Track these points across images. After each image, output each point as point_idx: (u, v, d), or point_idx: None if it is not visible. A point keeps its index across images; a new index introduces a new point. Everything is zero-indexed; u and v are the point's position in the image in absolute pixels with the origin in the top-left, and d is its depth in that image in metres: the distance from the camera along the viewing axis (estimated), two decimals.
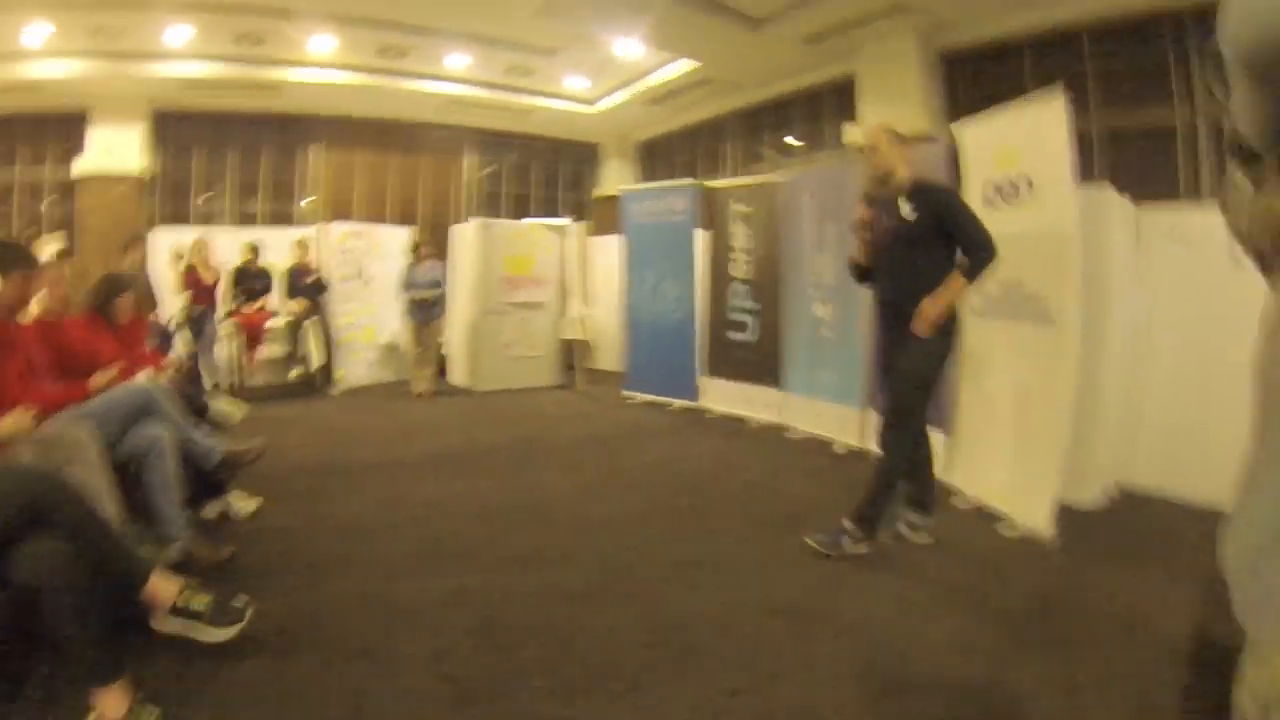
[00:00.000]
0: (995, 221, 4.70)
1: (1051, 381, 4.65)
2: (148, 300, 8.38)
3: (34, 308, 4.27)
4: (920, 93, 9.16)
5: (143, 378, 4.47)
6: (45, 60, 10.84)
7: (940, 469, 4.88)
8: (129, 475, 3.85)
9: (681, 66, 11.55)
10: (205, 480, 4.48)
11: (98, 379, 4.03)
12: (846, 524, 4.11)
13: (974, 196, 5.38)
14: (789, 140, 12.47)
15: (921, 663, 2.96)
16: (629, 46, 10.76)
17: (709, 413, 8.31)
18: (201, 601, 2.83)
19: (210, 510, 4.62)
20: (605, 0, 9.03)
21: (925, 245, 4.10)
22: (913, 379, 4.09)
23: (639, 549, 4.13)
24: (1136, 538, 4.58)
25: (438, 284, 9.88)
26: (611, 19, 9.57)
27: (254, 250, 10.12)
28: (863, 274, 4.50)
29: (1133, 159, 8.25)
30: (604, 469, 5.96)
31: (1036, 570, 3.97)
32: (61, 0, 9.30)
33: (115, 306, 4.86)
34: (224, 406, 5.21)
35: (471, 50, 11.40)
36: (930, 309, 3.93)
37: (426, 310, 9.82)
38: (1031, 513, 4.51)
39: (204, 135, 13.47)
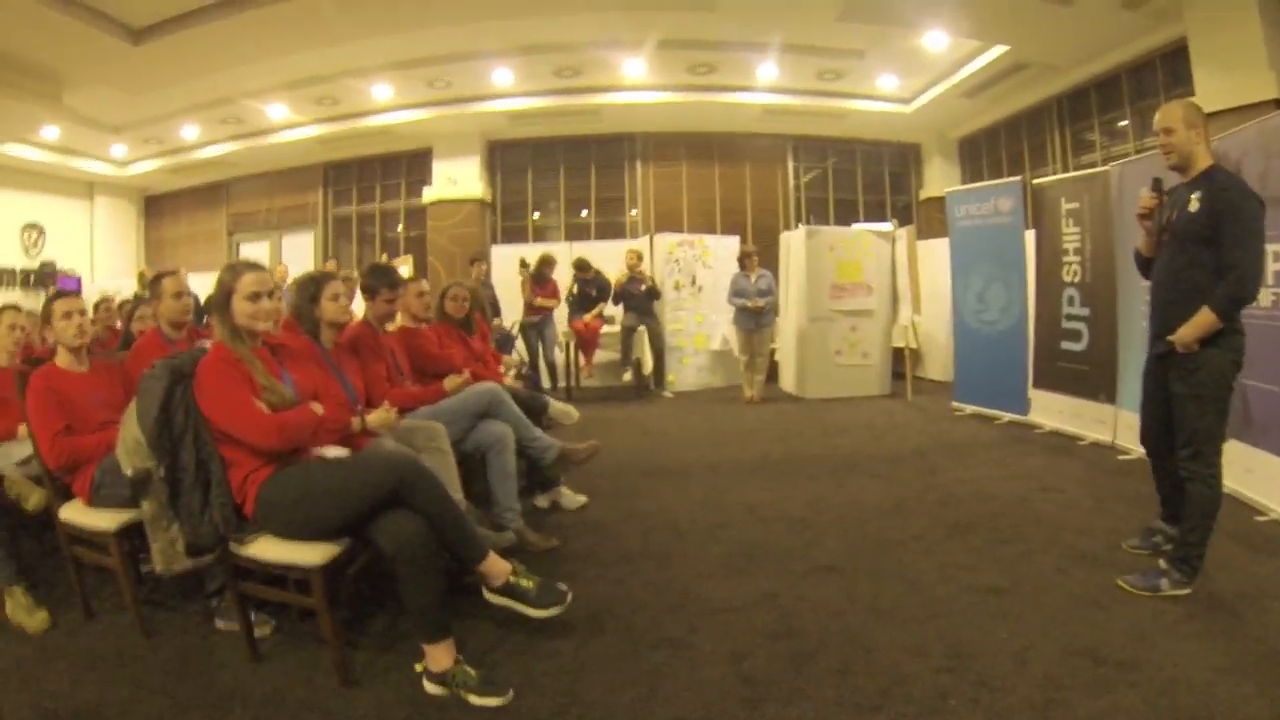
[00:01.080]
0: None
1: None
2: (491, 308, 9.22)
3: (400, 319, 4.92)
4: (1264, 48, 7.86)
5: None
6: (394, 111, 12.78)
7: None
8: (475, 465, 4.33)
9: (992, 54, 10.90)
10: (540, 474, 4.96)
11: (451, 381, 4.56)
12: (1163, 564, 3.72)
13: None
14: (1121, 123, 11.36)
15: None
16: (935, 39, 10.39)
17: (1038, 428, 7.79)
18: (529, 582, 3.12)
19: (543, 500, 5.15)
20: None
21: (1200, 248, 3.63)
22: (1202, 400, 3.64)
23: (945, 568, 3.99)
24: None
25: (767, 292, 10.00)
26: (911, 12, 9.25)
27: (585, 264, 10.79)
28: (1146, 266, 4.07)
29: None
30: (920, 485, 5.76)
31: None
32: (402, 60, 10.81)
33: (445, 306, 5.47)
34: (562, 408, 5.56)
35: (779, 59, 11.44)
36: (1187, 335, 3.59)
37: (756, 318, 9.97)
38: None
39: (534, 160, 14.75)
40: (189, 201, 15.99)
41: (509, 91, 12.29)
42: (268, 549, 2.97)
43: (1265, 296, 5.18)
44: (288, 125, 13.18)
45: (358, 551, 3.05)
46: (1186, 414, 3.67)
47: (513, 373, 6.45)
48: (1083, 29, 9.63)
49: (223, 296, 3.12)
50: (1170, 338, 3.65)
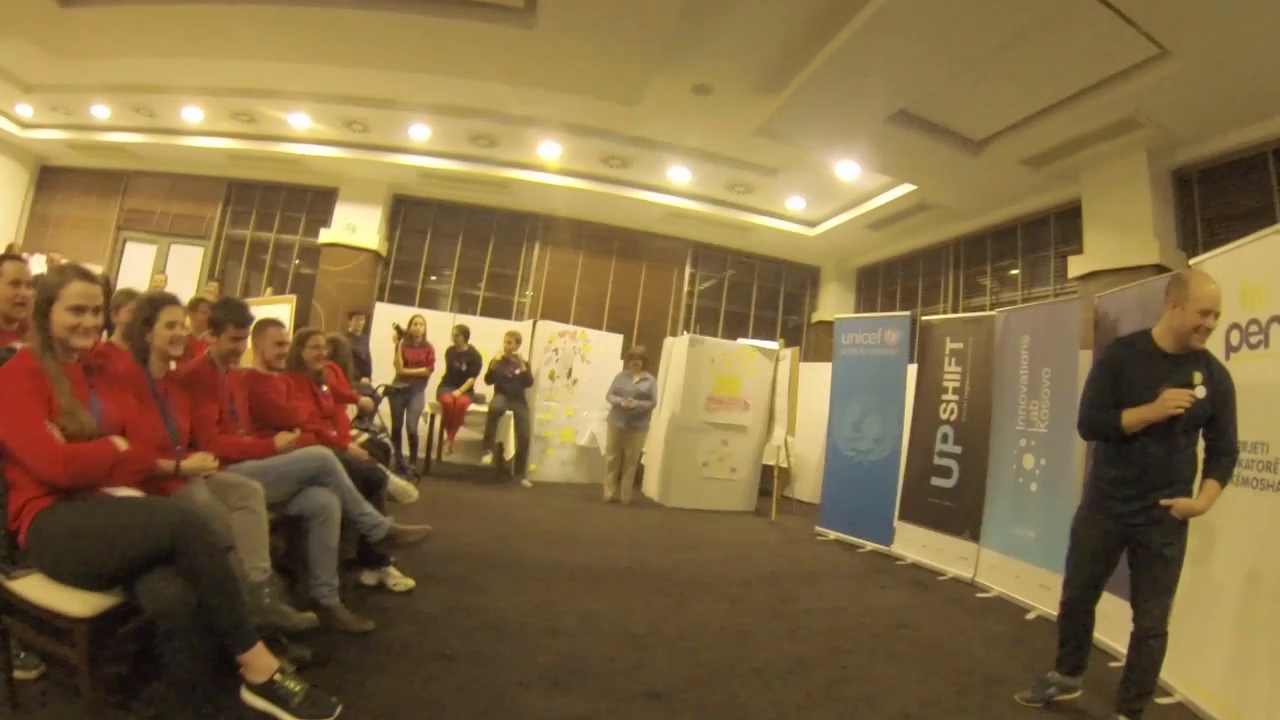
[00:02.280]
0: (1239, 370, 4.22)
1: None
2: (359, 366, 8.84)
3: (248, 360, 4.56)
4: (1150, 218, 8.48)
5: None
6: (307, 144, 12.31)
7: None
8: (296, 531, 3.98)
9: (900, 190, 11.27)
10: (369, 549, 4.59)
11: (283, 438, 4.21)
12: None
13: (1213, 343, 4.82)
14: (1012, 271, 11.83)
15: None
16: (847, 169, 10.66)
17: (900, 559, 7.78)
18: (295, 687, 2.83)
19: (369, 578, 4.79)
20: (821, 123, 8.90)
21: (1196, 431, 3.74)
22: (1178, 565, 3.78)
23: (780, 708, 3.74)
24: None
25: (647, 396, 9.90)
26: (828, 141, 9.47)
27: (464, 333, 10.58)
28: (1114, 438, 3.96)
29: None
30: (770, 611, 5.55)
31: None
32: (322, 94, 10.54)
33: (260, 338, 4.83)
34: (402, 484, 5.28)
35: (693, 164, 11.56)
36: (1190, 509, 3.67)
37: (629, 418, 9.83)
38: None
39: (436, 222, 14.47)
40: (84, 183, 14.81)
41: (423, 148, 12.10)
42: (35, 589, 2.62)
43: None
44: (200, 131, 12.56)
45: (135, 607, 2.68)
46: (1168, 573, 3.76)
47: (364, 437, 6.12)
48: (986, 180, 10.13)
49: (44, 301, 2.81)
50: (1170, 503, 3.69)
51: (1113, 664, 4.73)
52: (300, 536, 4.04)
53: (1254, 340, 4.53)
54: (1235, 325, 4.69)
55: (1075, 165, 9.15)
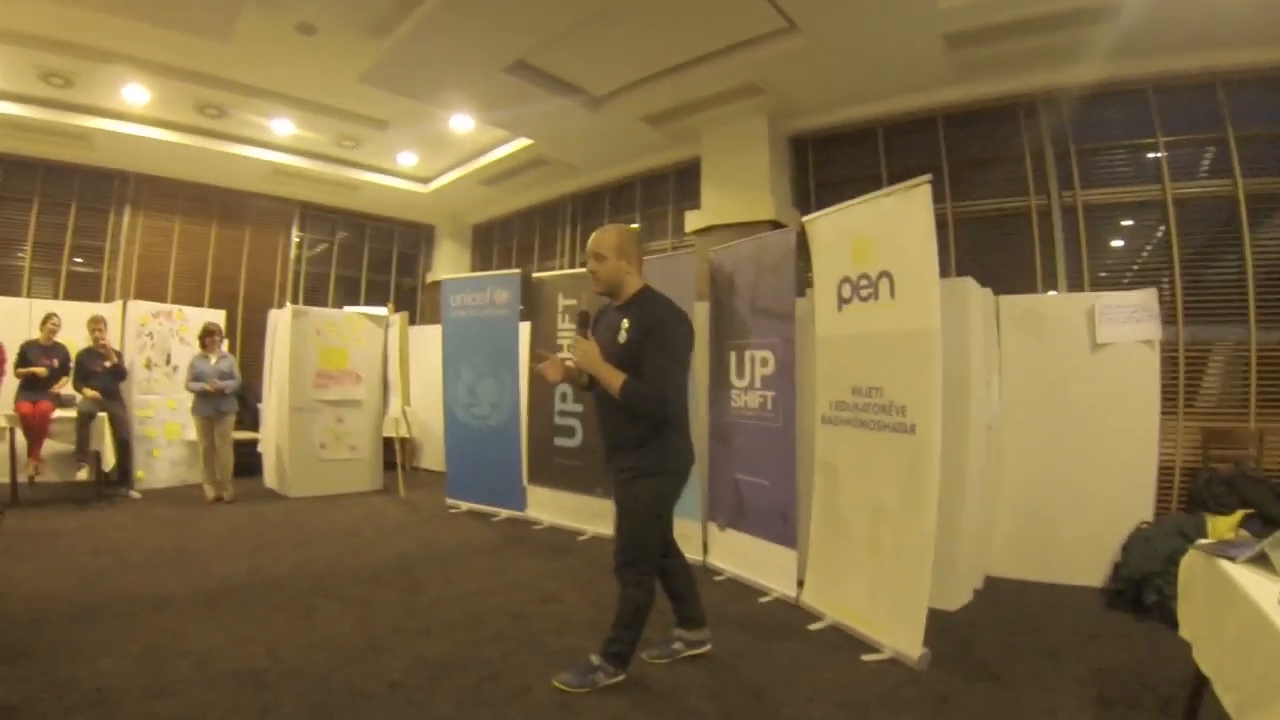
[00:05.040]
0: (851, 321, 4.79)
1: (913, 495, 4.48)
2: None
3: None
4: (768, 178, 9.03)
5: None
6: None
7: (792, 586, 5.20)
8: None
9: (516, 144, 11.22)
10: None
11: None
12: (595, 659, 3.96)
13: (826, 295, 5.28)
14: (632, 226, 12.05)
15: None
16: (461, 121, 10.39)
17: (537, 523, 7.88)
18: None
19: None
20: (432, 72, 8.50)
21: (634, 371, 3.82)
22: (639, 516, 3.92)
23: None
24: (1006, 642, 4.76)
25: (229, 375, 9.10)
26: (440, 92, 9.11)
27: (51, 323, 8.99)
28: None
29: (988, 247, 8.44)
30: (403, 607, 5.31)
31: (906, 702, 3.85)
32: None
33: None
34: None
35: (297, 116, 10.73)
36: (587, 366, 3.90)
37: (216, 403, 9.02)
38: (898, 633, 4.41)
39: (4, 181, 11.73)
40: None
41: None
42: None
43: (754, 399, 6.04)
44: None
45: None
46: (627, 527, 3.96)
47: None
48: (606, 136, 10.32)
49: None
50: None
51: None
52: None
53: (864, 293, 4.90)
54: (847, 279, 5.06)
55: (696, 125, 9.58)
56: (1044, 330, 6.18)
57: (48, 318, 8.90)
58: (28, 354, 8.66)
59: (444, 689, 3.95)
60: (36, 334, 8.92)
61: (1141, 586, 5.21)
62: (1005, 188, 8.27)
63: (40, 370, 8.42)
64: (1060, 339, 6.12)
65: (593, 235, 4.00)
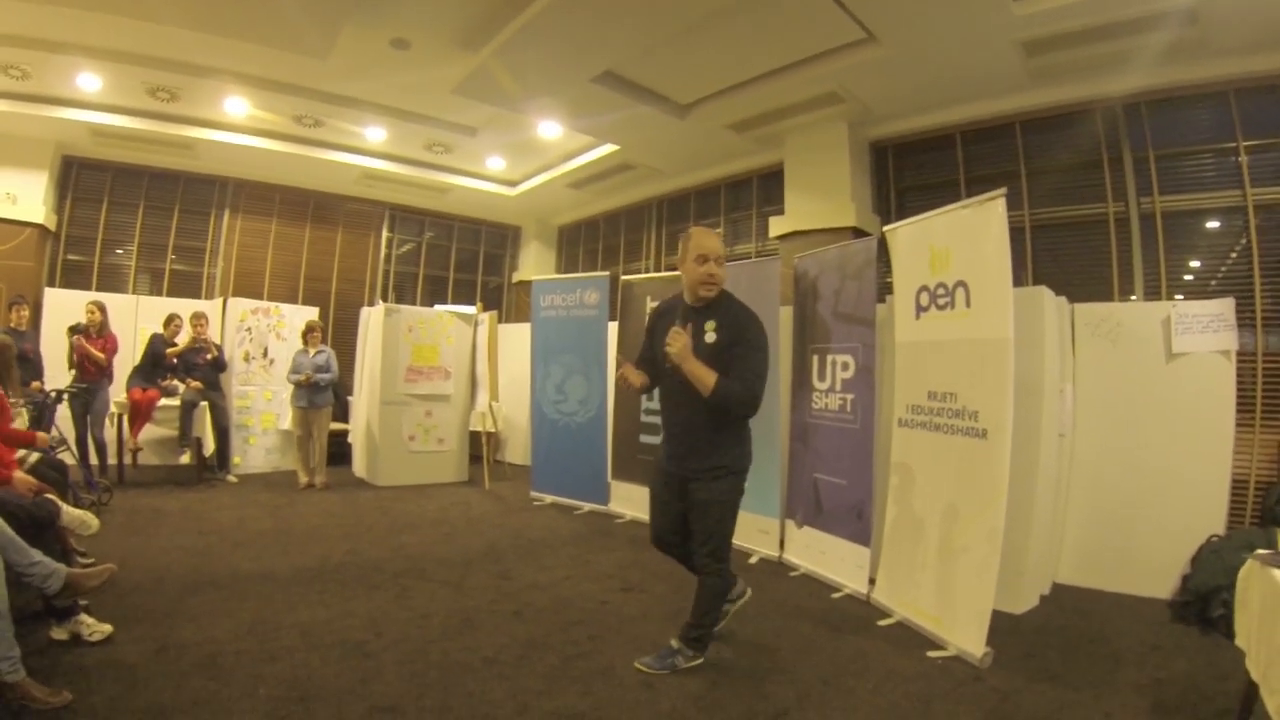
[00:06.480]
0: (928, 328, 4.87)
1: (983, 498, 4.53)
2: (31, 367, 7.84)
3: None
4: (849, 184, 9.08)
5: None
6: None
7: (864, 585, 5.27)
8: None
9: (603, 150, 11.37)
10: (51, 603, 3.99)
11: None
12: (675, 643, 4.14)
13: (905, 302, 5.37)
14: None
15: None
16: (549, 128, 10.58)
17: (619, 517, 8.02)
18: None
19: (60, 632, 4.12)
20: (523, 83, 8.67)
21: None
22: (724, 511, 4.06)
23: (520, 696, 3.72)
24: (1068, 647, 4.76)
25: (325, 369, 9.43)
26: (530, 101, 9.28)
27: (174, 322, 9.64)
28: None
29: (1065, 254, 8.25)
30: (492, 592, 5.51)
31: (967, 698, 3.90)
32: None
33: None
34: (78, 515, 4.63)
35: (389, 124, 11.05)
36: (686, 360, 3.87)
37: (310, 395, 9.39)
38: (962, 632, 4.47)
39: (114, 189, 12.39)
40: None
41: (95, 102, 10.30)
42: None
43: (835, 400, 6.11)
44: None
45: None
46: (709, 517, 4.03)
47: (34, 458, 5.34)
48: (691, 142, 10.40)
49: None
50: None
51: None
52: None
53: (941, 302, 4.96)
54: (924, 288, 5.13)
55: (779, 132, 9.64)
56: (1119, 338, 6.10)
57: (170, 319, 9.53)
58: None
59: (533, 666, 4.13)
60: (158, 328, 9.58)
61: (1208, 600, 5.09)
62: (1083, 194, 8.08)
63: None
64: (1136, 347, 6.04)
65: (710, 238, 4.00)
